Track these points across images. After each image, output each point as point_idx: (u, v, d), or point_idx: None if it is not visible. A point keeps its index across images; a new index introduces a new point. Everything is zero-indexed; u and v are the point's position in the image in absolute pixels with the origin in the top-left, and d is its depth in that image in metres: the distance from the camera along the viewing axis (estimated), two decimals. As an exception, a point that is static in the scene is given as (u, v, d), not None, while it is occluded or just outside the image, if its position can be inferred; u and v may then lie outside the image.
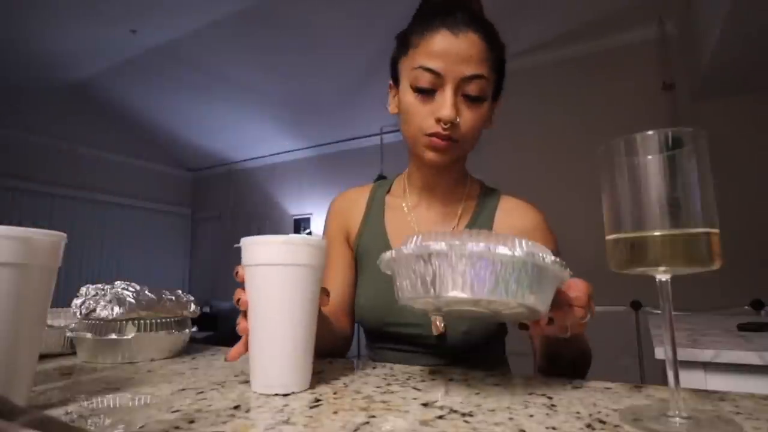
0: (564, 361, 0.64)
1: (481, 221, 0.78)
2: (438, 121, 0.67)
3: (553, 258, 0.42)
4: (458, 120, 0.67)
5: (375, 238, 0.81)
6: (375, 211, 0.84)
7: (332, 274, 0.83)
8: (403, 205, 0.82)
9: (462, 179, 0.82)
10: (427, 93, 0.68)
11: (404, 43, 0.73)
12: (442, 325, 0.71)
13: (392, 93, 0.78)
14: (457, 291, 0.40)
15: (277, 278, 0.48)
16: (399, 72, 0.75)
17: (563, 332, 0.49)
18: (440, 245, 0.40)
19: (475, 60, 0.66)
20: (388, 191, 0.87)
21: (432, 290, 0.41)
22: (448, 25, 0.67)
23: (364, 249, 0.82)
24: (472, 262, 0.40)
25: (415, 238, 0.45)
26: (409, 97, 0.70)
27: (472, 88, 0.67)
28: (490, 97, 0.71)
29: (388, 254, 0.46)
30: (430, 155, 0.71)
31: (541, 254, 0.41)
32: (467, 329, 0.72)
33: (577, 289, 0.48)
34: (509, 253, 0.39)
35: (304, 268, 0.49)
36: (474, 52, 0.66)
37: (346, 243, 0.85)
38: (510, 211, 0.79)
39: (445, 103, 0.66)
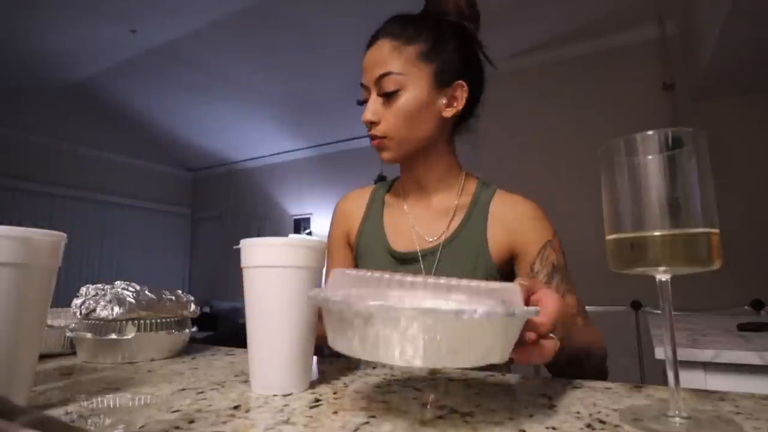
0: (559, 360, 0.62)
1: (475, 215, 0.79)
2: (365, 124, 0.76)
3: (522, 309, 0.36)
4: (375, 118, 0.74)
5: (374, 236, 0.83)
6: (375, 210, 0.87)
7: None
8: (402, 203, 0.85)
9: (451, 175, 0.83)
10: (365, 104, 0.77)
11: None
12: None
13: None
14: (405, 360, 0.33)
15: (277, 280, 0.48)
16: None
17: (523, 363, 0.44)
18: (379, 307, 0.32)
19: (383, 61, 0.74)
20: (389, 191, 0.89)
21: (375, 354, 0.34)
22: (368, 44, 0.77)
23: (363, 247, 0.84)
24: (426, 327, 0.32)
25: (346, 279, 0.38)
26: None
27: (384, 86, 0.73)
28: (416, 86, 0.73)
29: (314, 293, 0.39)
30: (380, 156, 0.78)
31: (508, 309, 0.34)
32: None
33: (535, 324, 0.42)
34: (471, 316, 0.32)
35: (304, 270, 0.49)
36: (381, 55, 0.74)
37: (346, 245, 0.88)
38: (504, 204, 0.79)
39: (366, 108, 0.75)
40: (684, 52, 2.92)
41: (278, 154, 5.72)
